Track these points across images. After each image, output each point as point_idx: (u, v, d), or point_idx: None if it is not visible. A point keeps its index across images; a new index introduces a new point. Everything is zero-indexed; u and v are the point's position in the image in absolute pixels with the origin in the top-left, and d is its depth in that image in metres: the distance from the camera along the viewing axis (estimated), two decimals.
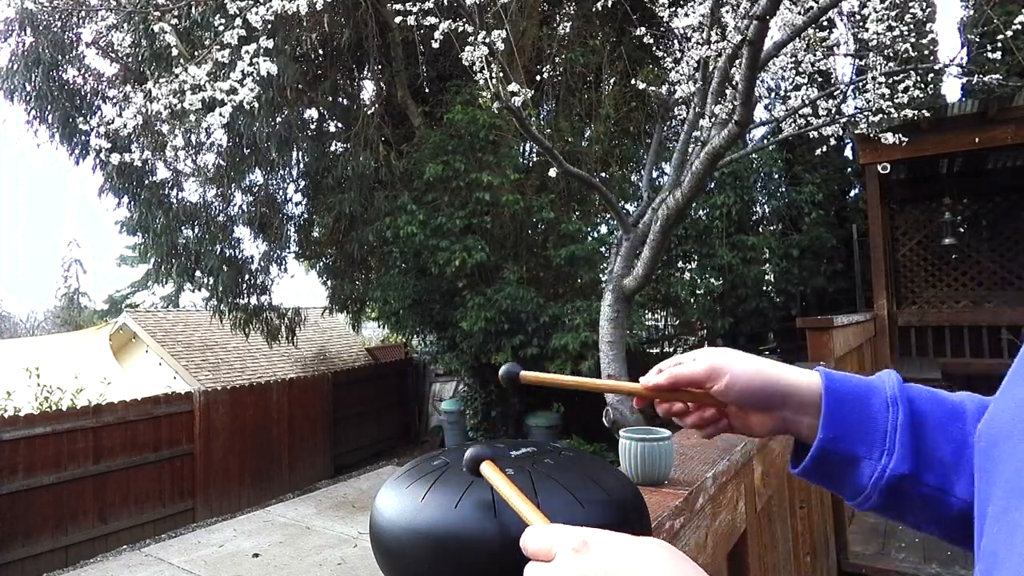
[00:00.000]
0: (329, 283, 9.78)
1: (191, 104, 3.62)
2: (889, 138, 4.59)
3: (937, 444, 0.57)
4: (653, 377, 0.69)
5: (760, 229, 8.77)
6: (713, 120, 3.59)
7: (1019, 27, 3.76)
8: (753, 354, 0.67)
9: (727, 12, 3.79)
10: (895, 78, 4.35)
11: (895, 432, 0.57)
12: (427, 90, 9.11)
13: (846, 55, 5.00)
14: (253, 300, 8.65)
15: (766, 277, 8.11)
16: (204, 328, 11.56)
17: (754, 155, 7.92)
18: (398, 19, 3.56)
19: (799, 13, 3.97)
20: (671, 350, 10.89)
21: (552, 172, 3.91)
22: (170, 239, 7.85)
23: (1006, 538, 0.34)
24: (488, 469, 0.53)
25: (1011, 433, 0.40)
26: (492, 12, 4.61)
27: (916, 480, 0.56)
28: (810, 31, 4.39)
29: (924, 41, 4.89)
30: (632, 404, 3.87)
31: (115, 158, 5.21)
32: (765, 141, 6.83)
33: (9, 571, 6.34)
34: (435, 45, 3.69)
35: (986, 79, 4.29)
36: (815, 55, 4.60)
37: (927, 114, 4.55)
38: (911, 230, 7.73)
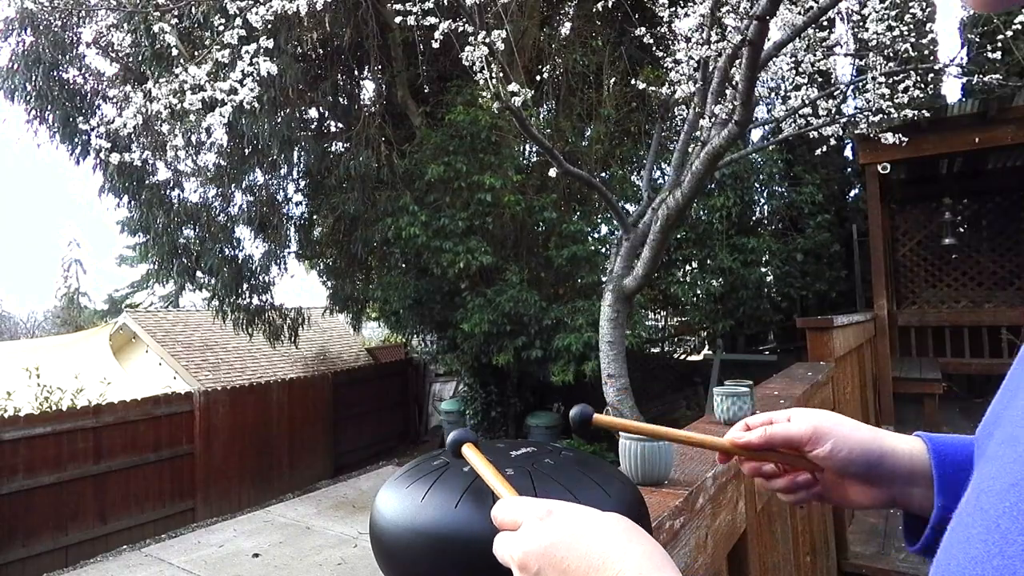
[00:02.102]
0: (329, 283, 9.79)
1: (191, 104, 3.62)
2: (889, 138, 4.59)
3: None
4: (743, 434, 0.65)
5: (760, 230, 8.76)
6: (713, 120, 3.59)
7: (1019, 27, 3.76)
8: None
9: (727, 12, 3.79)
10: (895, 78, 4.35)
11: None
12: (427, 90, 9.11)
13: (846, 55, 5.00)
14: (255, 300, 8.65)
15: (767, 280, 8.11)
16: (204, 328, 11.56)
17: (754, 155, 7.92)
18: (398, 19, 3.56)
19: (799, 13, 3.97)
20: (671, 350, 10.90)
21: (552, 172, 3.91)
22: (171, 239, 7.85)
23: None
24: (469, 451, 0.55)
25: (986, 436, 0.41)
26: (492, 12, 4.61)
27: None
28: (810, 31, 4.39)
29: (924, 41, 4.89)
30: (632, 404, 3.87)
31: (115, 158, 5.21)
32: (765, 141, 6.83)
33: (9, 571, 6.34)
34: (435, 45, 3.69)
35: (986, 79, 4.29)
36: (815, 55, 4.60)
37: (927, 114, 4.55)
38: (911, 230, 7.73)
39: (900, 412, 5.85)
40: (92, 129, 6.81)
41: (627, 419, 0.68)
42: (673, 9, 4.22)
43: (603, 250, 7.43)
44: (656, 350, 10.70)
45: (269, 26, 3.58)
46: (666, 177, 5.43)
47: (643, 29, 4.47)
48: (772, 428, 0.63)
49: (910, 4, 4.29)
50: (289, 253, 9.00)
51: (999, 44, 4.91)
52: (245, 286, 8.49)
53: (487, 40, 3.32)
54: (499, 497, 0.49)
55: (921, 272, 7.62)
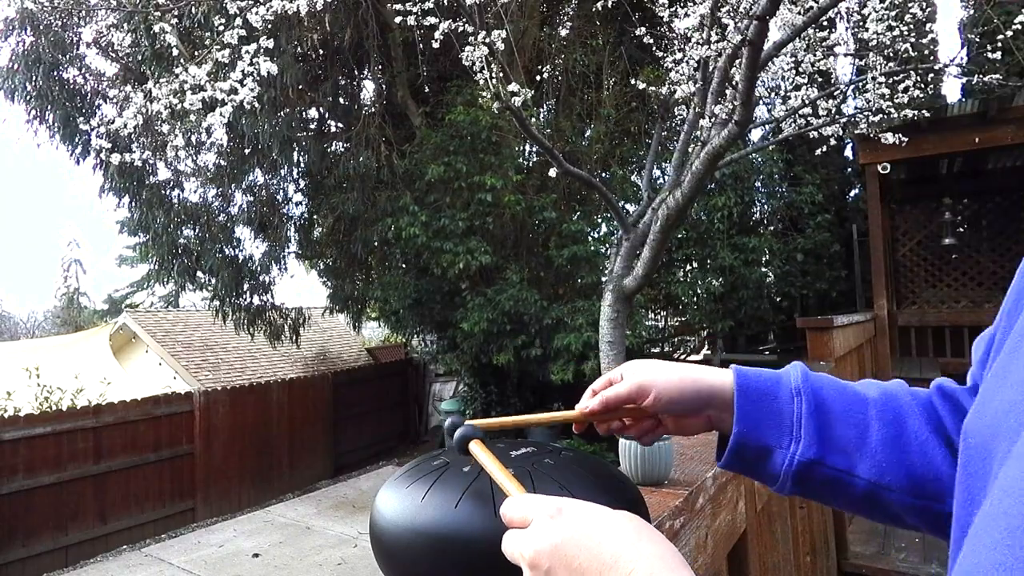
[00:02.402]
0: (329, 283, 9.79)
1: (191, 104, 3.62)
2: (889, 138, 4.59)
3: (840, 430, 0.62)
4: (587, 402, 0.71)
5: (760, 230, 8.76)
6: (713, 120, 3.58)
7: (1019, 27, 3.76)
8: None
9: (727, 12, 3.79)
10: (895, 78, 4.35)
11: (800, 421, 0.62)
12: (427, 90, 9.11)
13: (846, 55, 4.99)
14: (255, 300, 8.65)
15: (767, 279, 8.11)
16: (204, 328, 11.57)
17: (754, 155, 7.92)
18: (398, 19, 3.56)
19: (799, 13, 3.97)
20: (671, 350, 10.90)
21: (552, 172, 3.91)
22: (171, 239, 7.85)
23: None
24: (476, 448, 0.56)
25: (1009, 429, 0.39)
26: (492, 12, 4.61)
27: (822, 464, 0.61)
28: (810, 31, 4.39)
29: (924, 41, 4.89)
30: None
31: (115, 158, 5.21)
32: (765, 141, 6.83)
33: (9, 571, 6.34)
34: (435, 45, 3.69)
35: (986, 79, 4.29)
36: (815, 55, 4.60)
37: (927, 114, 4.55)
38: (911, 230, 7.73)
39: None
40: (92, 129, 6.81)
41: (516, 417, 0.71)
42: (673, 9, 4.21)
43: (603, 250, 7.43)
44: (656, 350, 10.69)
45: (269, 26, 3.58)
46: (666, 177, 5.43)
47: (643, 29, 4.47)
48: (606, 392, 0.69)
49: (910, 4, 4.29)
50: (289, 253, 9.01)
51: (999, 44, 4.90)
52: (245, 286, 8.50)
53: (487, 40, 3.32)
54: (507, 495, 0.49)
55: (921, 272, 7.62)
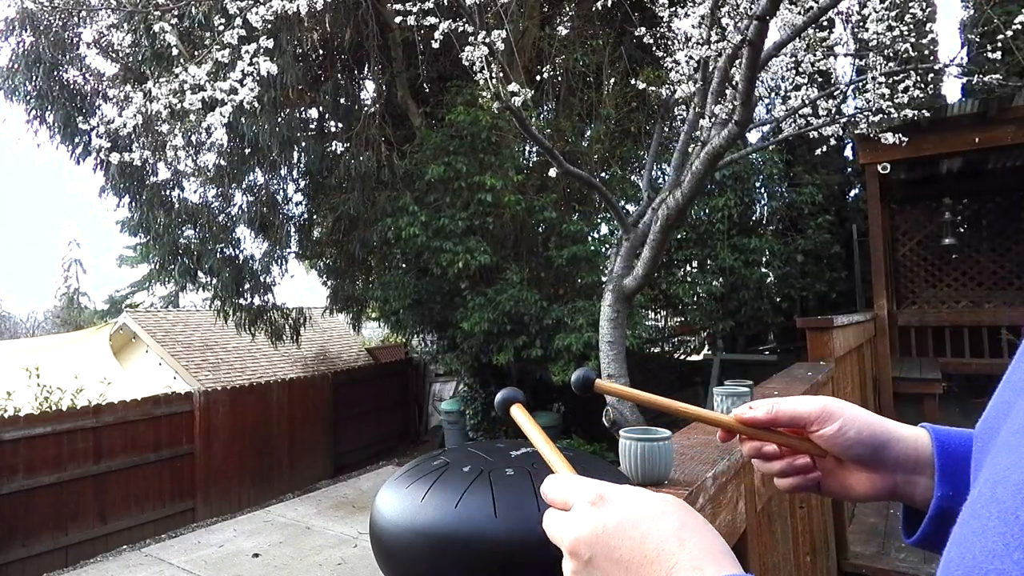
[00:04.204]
0: (329, 283, 9.79)
1: (191, 104, 3.62)
2: (889, 138, 4.59)
3: None
4: (748, 411, 0.63)
5: (760, 230, 8.76)
6: (713, 120, 3.59)
7: (1019, 27, 3.76)
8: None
9: (727, 12, 3.79)
10: (895, 78, 4.35)
11: None
12: (427, 90, 9.11)
13: (846, 55, 4.99)
14: (256, 300, 8.65)
15: (768, 280, 8.10)
16: (204, 328, 11.57)
17: (754, 155, 7.92)
18: (398, 19, 3.56)
19: (799, 13, 3.97)
20: (671, 350, 10.89)
21: (552, 172, 3.91)
22: (171, 239, 7.85)
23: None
24: (517, 412, 0.55)
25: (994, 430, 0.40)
26: (492, 12, 4.61)
27: None
28: (810, 31, 4.39)
29: (924, 41, 4.89)
30: (632, 404, 3.87)
31: (115, 158, 5.21)
32: (765, 141, 6.83)
33: (9, 571, 6.34)
34: (435, 45, 3.69)
35: (986, 79, 4.29)
36: (815, 55, 4.60)
37: (927, 114, 4.55)
38: (911, 230, 7.73)
39: (900, 412, 5.85)
40: (92, 129, 6.81)
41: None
42: (673, 9, 4.21)
43: (603, 250, 7.43)
44: (656, 350, 10.69)
45: (269, 26, 3.58)
46: (666, 177, 5.43)
47: (643, 29, 4.47)
48: (780, 404, 0.62)
49: (910, 4, 4.29)
50: (289, 253, 9.00)
51: (999, 44, 4.90)
52: (246, 286, 8.49)
53: (487, 40, 3.32)
54: (552, 471, 0.48)
55: (921, 272, 7.62)
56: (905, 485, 0.59)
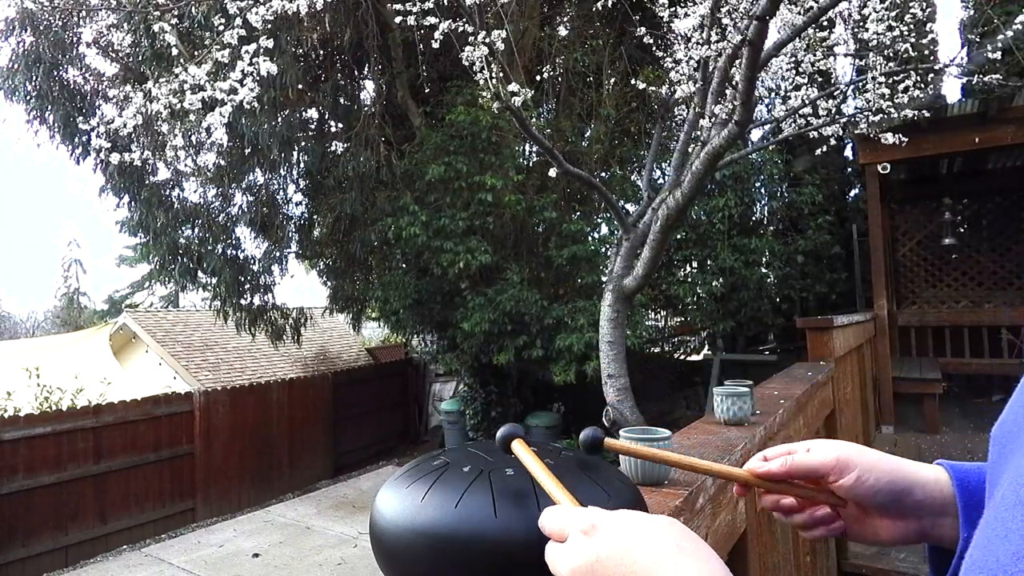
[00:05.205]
0: (329, 283, 9.78)
1: (191, 104, 3.62)
2: (889, 138, 4.59)
3: None
4: (763, 464, 0.62)
5: (760, 231, 8.76)
6: (713, 120, 3.58)
7: (1019, 27, 3.76)
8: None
9: (727, 12, 3.79)
10: (895, 78, 4.34)
11: None
12: (427, 90, 9.11)
13: (846, 55, 4.99)
14: (256, 300, 8.65)
15: (768, 281, 8.10)
16: (204, 328, 11.57)
17: (754, 155, 7.92)
18: (398, 19, 3.56)
19: (799, 13, 3.97)
20: (671, 350, 10.89)
21: (552, 172, 3.91)
22: (171, 239, 7.85)
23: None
24: (519, 447, 0.56)
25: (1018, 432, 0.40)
26: (492, 12, 4.61)
27: None
28: (810, 31, 4.39)
29: (924, 41, 4.89)
30: (632, 404, 3.87)
31: (115, 158, 5.21)
32: (765, 141, 6.83)
33: (9, 571, 6.34)
34: (435, 45, 3.69)
35: (986, 79, 4.29)
36: (815, 55, 4.60)
37: (927, 114, 4.55)
38: (911, 230, 7.73)
39: (900, 412, 5.85)
40: (92, 129, 6.81)
41: (635, 444, 0.66)
42: (673, 9, 4.21)
43: (603, 250, 7.43)
44: (656, 350, 10.69)
45: (269, 26, 3.57)
46: (666, 177, 5.43)
47: (643, 29, 4.47)
48: (794, 458, 0.60)
49: (910, 4, 4.28)
50: (289, 253, 9.01)
51: (999, 44, 4.90)
52: (246, 286, 8.49)
53: (487, 40, 3.32)
54: (553, 501, 0.49)
55: (921, 272, 7.62)
56: (933, 528, 0.57)
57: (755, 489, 0.65)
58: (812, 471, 0.59)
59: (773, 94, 5.28)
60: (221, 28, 3.64)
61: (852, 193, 9.72)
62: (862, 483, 0.57)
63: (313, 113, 9.07)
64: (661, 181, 7.55)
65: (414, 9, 3.47)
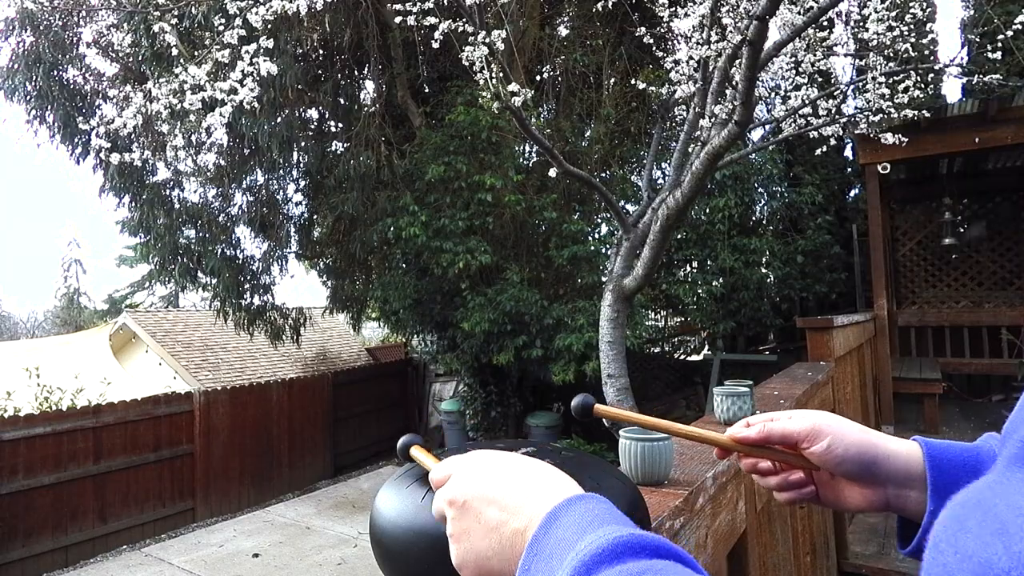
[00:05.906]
0: (329, 283, 9.78)
1: (191, 104, 3.62)
2: (889, 138, 4.59)
3: None
4: (742, 430, 0.65)
5: (760, 231, 8.76)
6: (713, 120, 3.58)
7: (1019, 27, 3.76)
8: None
9: (727, 12, 3.79)
10: (895, 78, 4.34)
11: None
12: (427, 90, 9.11)
13: (846, 55, 4.99)
14: (256, 300, 8.65)
15: (768, 281, 8.09)
16: (204, 328, 11.57)
17: (755, 155, 7.92)
18: (398, 19, 3.56)
19: (799, 13, 3.97)
20: (671, 350, 10.89)
21: (552, 172, 3.91)
22: (171, 239, 7.85)
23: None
24: (417, 452, 0.61)
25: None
26: (492, 12, 4.61)
27: None
28: (810, 31, 4.39)
29: (924, 41, 4.88)
30: (632, 404, 3.87)
31: (115, 158, 5.21)
32: (765, 141, 6.82)
33: (9, 571, 6.34)
34: (435, 45, 3.69)
35: (986, 79, 4.28)
36: (815, 55, 4.59)
37: (927, 114, 4.54)
38: (911, 230, 7.73)
39: (900, 412, 5.85)
40: (92, 129, 6.78)
41: (628, 410, 0.69)
42: (673, 9, 4.21)
43: (603, 250, 7.43)
44: (656, 350, 10.69)
45: (269, 26, 3.57)
46: (666, 177, 5.43)
47: (643, 29, 4.47)
48: (771, 424, 0.64)
49: (910, 4, 4.28)
50: (289, 253, 9.01)
51: (999, 44, 4.90)
52: (246, 286, 8.49)
53: (487, 40, 3.32)
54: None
55: (921, 272, 7.62)
56: (896, 498, 0.60)
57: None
58: (787, 437, 0.62)
59: (773, 94, 5.28)
60: (221, 28, 3.64)
61: (852, 193, 9.72)
62: (832, 451, 0.60)
63: (313, 113, 9.07)
64: (661, 181, 7.55)
65: (414, 9, 3.47)
